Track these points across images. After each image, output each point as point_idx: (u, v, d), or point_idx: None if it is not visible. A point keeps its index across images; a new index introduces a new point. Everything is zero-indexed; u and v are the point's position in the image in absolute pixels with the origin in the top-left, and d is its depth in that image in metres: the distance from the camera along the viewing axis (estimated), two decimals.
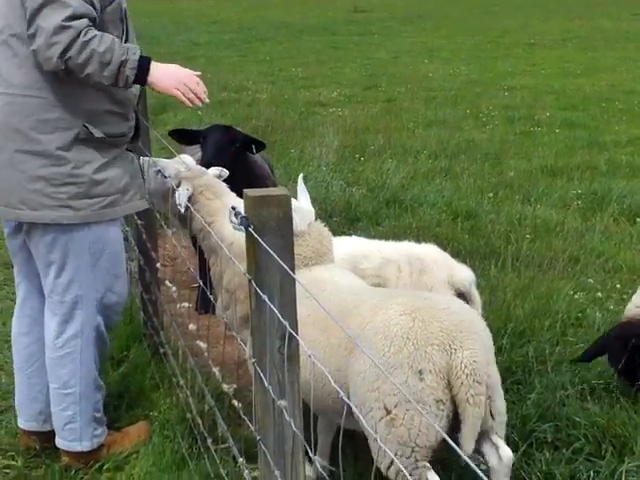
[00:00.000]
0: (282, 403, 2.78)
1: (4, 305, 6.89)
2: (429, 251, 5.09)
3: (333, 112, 15.83)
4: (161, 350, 5.38)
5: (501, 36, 31.12)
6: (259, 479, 2.94)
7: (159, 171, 4.98)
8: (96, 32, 4.07)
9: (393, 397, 3.61)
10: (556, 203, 9.41)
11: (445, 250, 5.22)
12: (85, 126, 4.29)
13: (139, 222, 5.69)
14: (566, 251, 7.69)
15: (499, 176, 10.75)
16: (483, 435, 3.74)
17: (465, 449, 3.56)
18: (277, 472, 2.79)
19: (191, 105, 4.37)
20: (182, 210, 4.80)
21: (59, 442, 4.77)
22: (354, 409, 3.66)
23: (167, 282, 5.01)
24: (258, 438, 2.90)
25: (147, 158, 5.08)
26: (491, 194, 9.74)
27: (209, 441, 3.91)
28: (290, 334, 2.75)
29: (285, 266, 2.72)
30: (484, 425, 3.69)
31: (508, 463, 3.80)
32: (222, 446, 3.90)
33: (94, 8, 4.14)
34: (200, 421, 4.22)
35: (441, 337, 3.64)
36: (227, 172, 5.28)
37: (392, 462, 3.63)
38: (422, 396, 3.59)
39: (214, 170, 5.22)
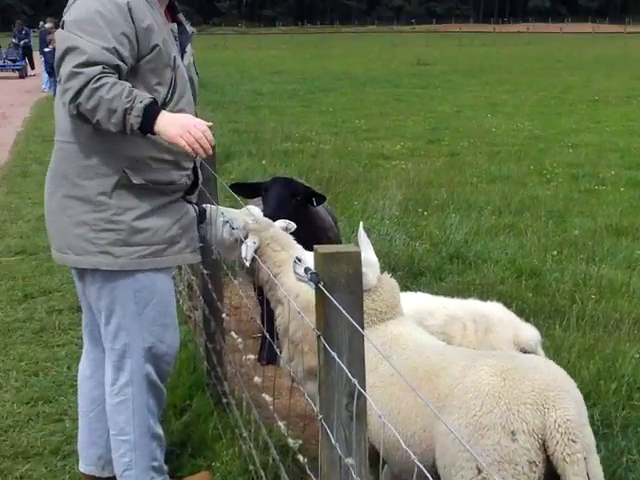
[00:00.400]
0: (349, 461, 2.78)
1: (69, 349, 6.99)
2: (494, 309, 5.07)
3: (396, 165, 15.86)
4: (224, 400, 5.41)
5: (565, 92, 31.04)
6: None
7: (227, 222, 5.02)
8: (109, 80, 4.06)
9: (486, 457, 3.58)
10: (621, 263, 9.31)
11: (509, 308, 5.20)
12: (125, 172, 4.30)
13: (205, 271, 5.74)
14: (632, 313, 7.59)
15: (563, 234, 10.67)
16: None
17: None
18: None
19: (195, 155, 4.29)
20: (247, 264, 4.85)
21: None
22: (440, 470, 3.70)
23: (232, 333, 5.06)
24: None
25: (215, 207, 5.12)
26: (555, 252, 9.66)
27: None
28: (359, 392, 2.76)
29: (354, 323, 2.74)
30: None
31: None
32: None
33: (120, 56, 4.14)
34: (263, 474, 4.22)
35: (533, 396, 3.62)
36: (294, 225, 5.31)
37: None
38: (515, 457, 3.55)
39: (281, 222, 5.26)
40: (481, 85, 34.24)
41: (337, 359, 2.76)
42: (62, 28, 4.25)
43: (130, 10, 4.20)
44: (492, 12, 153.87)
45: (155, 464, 4.70)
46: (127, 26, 4.18)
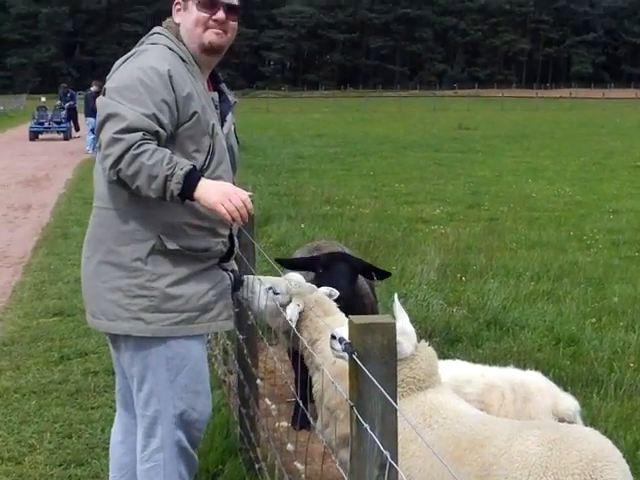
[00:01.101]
0: None
1: (103, 412, 6.99)
2: (533, 378, 5.02)
3: (435, 230, 15.85)
4: (257, 466, 5.37)
5: (606, 158, 30.95)
6: None
7: (270, 288, 5.02)
8: (150, 146, 4.08)
9: None
10: None
11: (547, 376, 5.14)
12: (160, 238, 4.30)
13: (240, 336, 5.74)
14: None
15: (602, 301, 10.57)
16: None
17: None
18: None
19: (233, 223, 4.26)
20: (294, 324, 4.83)
21: None
22: None
23: (267, 400, 5.05)
24: None
25: (253, 276, 5.13)
26: (594, 319, 9.57)
27: None
28: (390, 464, 2.73)
29: (387, 395, 2.72)
30: None
31: None
32: None
33: (160, 123, 4.16)
34: None
35: (581, 467, 3.60)
36: (337, 292, 5.29)
37: None
38: None
39: (324, 289, 5.25)
40: (522, 150, 34.25)
41: (369, 431, 2.74)
42: (104, 95, 4.29)
43: (171, 78, 4.24)
44: (535, 77, 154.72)
45: None
46: (167, 93, 4.22)
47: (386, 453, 2.71)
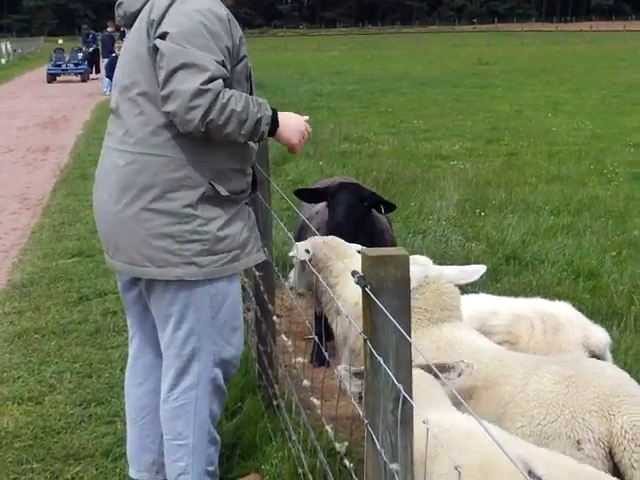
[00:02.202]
0: (394, 467, 2.74)
1: (123, 351, 6.96)
2: (562, 309, 4.96)
3: (454, 165, 15.75)
4: (275, 403, 5.38)
5: (627, 91, 30.59)
6: None
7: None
8: (231, 91, 4.14)
9: None
10: None
11: None
12: (211, 184, 4.32)
13: (257, 274, 5.73)
14: None
15: (623, 235, 10.48)
16: None
17: None
18: None
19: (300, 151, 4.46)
20: (300, 258, 4.86)
21: None
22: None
23: (283, 336, 5.04)
24: None
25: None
26: (614, 253, 9.51)
27: None
28: (404, 397, 2.71)
29: (401, 328, 2.69)
30: None
31: None
32: None
33: (226, 69, 4.19)
34: (311, 477, 4.19)
35: (598, 403, 3.57)
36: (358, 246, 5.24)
37: None
38: None
39: (355, 246, 5.18)
40: (542, 84, 33.91)
41: (383, 364, 2.72)
42: (162, 39, 4.18)
43: (229, 22, 4.26)
44: (554, 11, 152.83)
45: (211, 469, 4.68)
46: (228, 39, 4.24)
47: (399, 386, 2.69)
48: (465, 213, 11.69)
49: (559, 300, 5.38)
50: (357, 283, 2.83)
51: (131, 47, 4.44)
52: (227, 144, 4.30)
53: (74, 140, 21.09)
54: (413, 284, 4.31)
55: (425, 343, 4.27)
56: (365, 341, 2.80)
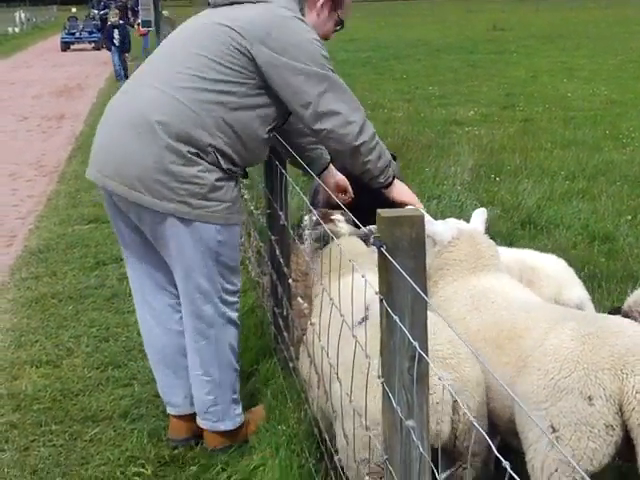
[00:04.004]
0: (410, 424, 2.77)
1: None
2: (547, 263, 5.09)
3: (469, 131, 15.70)
4: (290, 365, 5.41)
5: None
6: None
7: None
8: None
9: (562, 418, 3.58)
10: None
11: (581, 272, 5.11)
12: (217, 157, 4.64)
13: (273, 237, 5.75)
14: None
15: (638, 199, 10.45)
16: None
17: None
18: None
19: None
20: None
21: (203, 423, 5.08)
22: (518, 428, 3.69)
23: (299, 298, 5.07)
24: (385, 458, 2.89)
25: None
26: (630, 217, 9.48)
27: (336, 458, 3.90)
28: (420, 355, 2.73)
29: (416, 287, 2.71)
30: None
31: None
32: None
33: None
34: (327, 437, 4.22)
35: (612, 362, 3.59)
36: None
37: (550, 478, 3.61)
38: (591, 420, 3.54)
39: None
40: (558, 50, 33.64)
41: (399, 323, 2.73)
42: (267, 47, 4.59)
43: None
44: None
45: (235, 396, 5.09)
46: None
47: (415, 344, 2.71)
48: (480, 178, 11.66)
49: (573, 264, 5.40)
50: (373, 244, 2.85)
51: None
52: (255, 140, 4.72)
53: (89, 108, 21.12)
54: (447, 237, 4.57)
55: (461, 293, 4.42)
56: (381, 301, 2.81)
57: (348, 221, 5.03)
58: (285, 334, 5.64)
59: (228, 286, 4.87)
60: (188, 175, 4.55)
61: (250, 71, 4.60)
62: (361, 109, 4.76)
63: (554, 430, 3.59)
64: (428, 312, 2.91)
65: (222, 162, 4.63)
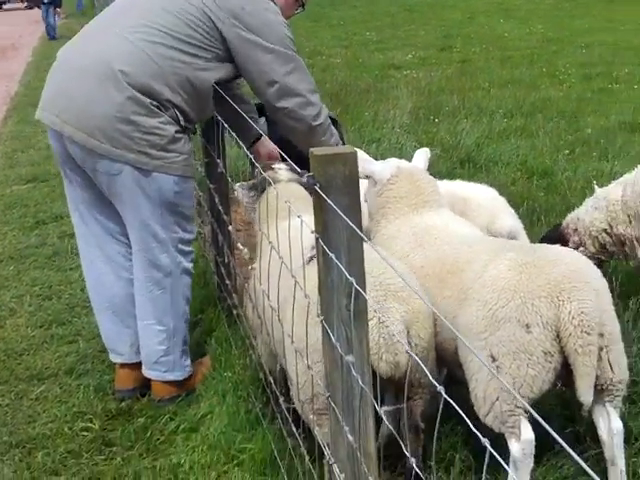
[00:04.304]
0: (349, 359, 2.77)
1: (82, 272, 6.92)
2: (478, 194, 5.16)
3: (407, 74, 15.70)
4: (234, 312, 5.40)
5: None
6: (329, 435, 2.95)
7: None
8: None
9: (501, 347, 3.63)
10: (635, 159, 9.15)
11: (519, 208, 5.15)
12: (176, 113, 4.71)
13: (211, 186, 5.72)
14: None
15: (576, 134, 10.54)
16: (600, 398, 3.74)
17: (583, 400, 3.57)
18: (346, 428, 2.79)
19: None
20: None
21: (151, 374, 5.08)
22: (461, 359, 3.74)
23: (239, 245, 5.05)
24: (327, 394, 2.90)
25: None
26: (567, 151, 9.56)
27: (281, 400, 3.91)
28: (357, 291, 2.73)
29: (352, 224, 2.70)
30: (603, 378, 3.68)
31: (618, 437, 3.78)
32: (294, 405, 3.90)
33: None
34: (272, 380, 4.23)
35: (548, 289, 3.63)
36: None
37: (492, 407, 3.67)
38: (529, 348, 3.60)
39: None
40: None
41: (335, 260, 2.72)
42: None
43: None
44: None
45: (185, 347, 5.12)
46: None
47: (352, 280, 2.70)
48: (419, 120, 11.67)
49: (513, 199, 5.43)
50: (307, 183, 2.83)
51: None
52: (209, 101, 4.86)
53: (23, 67, 20.82)
54: (387, 175, 4.58)
55: (404, 230, 4.43)
56: (317, 239, 2.80)
57: (289, 170, 5.00)
58: (228, 282, 5.63)
59: (184, 235, 4.93)
60: (149, 126, 4.58)
61: (216, 39, 4.72)
62: (318, 92, 4.98)
63: (494, 359, 3.64)
64: (377, 248, 2.92)
65: (180, 118, 4.70)
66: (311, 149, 2.85)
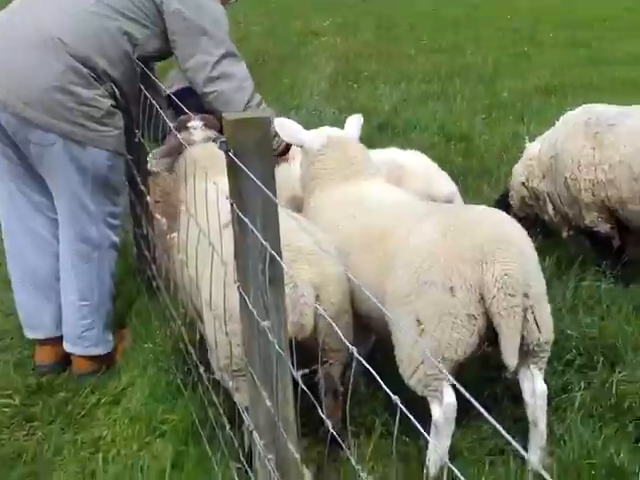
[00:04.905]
0: (265, 324, 2.76)
1: None
2: (412, 160, 5.18)
3: (326, 41, 15.66)
4: (154, 284, 5.35)
5: None
6: (248, 401, 2.94)
7: None
8: None
9: (426, 311, 3.65)
10: (550, 121, 9.25)
11: None
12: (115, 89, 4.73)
13: (129, 157, 5.64)
14: None
15: (493, 97, 10.64)
16: (525, 360, 3.77)
17: (507, 363, 3.60)
18: (264, 394, 2.78)
19: None
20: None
21: (73, 348, 5.03)
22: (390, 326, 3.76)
23: (157, 215, 5.01)
24: (245, 360, 2.89)
25: None
26: (484, 115, 9.64)
27: (202, 369, 3.89)
28: (272, 256, 2.71)
29: (266, 189, 2.68)
30: (529, 339, 3.71)
31: (541, 399, 3.83)
32: (214, 375, 3.89)
33: None
34: (193, 350, 4.20)
35: (472, 252, 3.64)
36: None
37: (415, 371, 3.71)
38: (454, 311, 3.62)
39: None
40: None
41: (250, 225, 2.71)
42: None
43: None
44: None
45: (109, 322, 5.10)
46: None
47: (266, 244, 2.69)
48: (338, 86, 11.68)
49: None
50: (220, 148, 2.80)
51: None
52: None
53: None
54: (316, 145, 4.58)
55: (336, 199, 4.44)
56: (232, 205, 2.78)
57: (205, 128, 4.91)
58: (147, 253, 5.57)
59: (114, 209, 4.92)
60: (87, 97, 4.57)
61: (154, 16, 4.75)
62: (251, 78, 4.95)
63: (419, 323, 3.66)
64: (294, 215, 2.89)
65: (116, 91, 4.73)
66: (224, 114, 2.83)
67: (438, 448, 3.70)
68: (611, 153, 5.48)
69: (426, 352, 3.57)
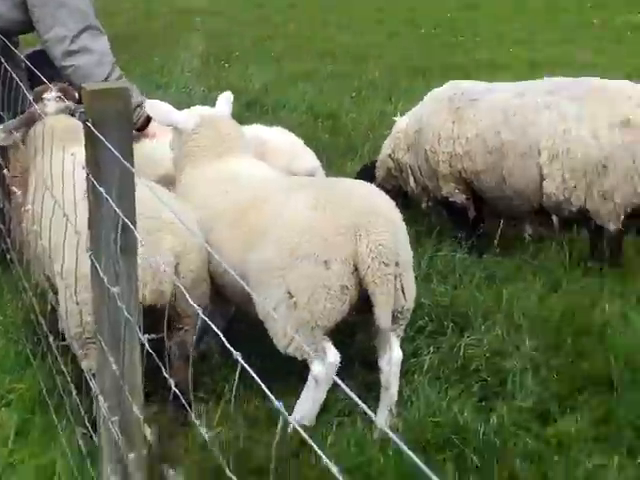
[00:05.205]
0: (115, 290, 2.75)
1: None
2: (276, 137, 5.24)
3: (200, 20, 15.55)
4: (8, 257, 5.26)
5: None
6: (96, 367, 2.95)
7: None
8: None
9: (299, 283, 3.70)
10: (418, 100, 9.41)
11: None
12: None
13: None
14: None
15: (363, 76, 10.73)
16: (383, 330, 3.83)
17: (382, 326, 3.70)
18: (111, 359, 2.77)
19: None
20: None
21: None
22: (253, 299, 3.77)
23: (13, 188, 4.91)
24: (95, 327, 2.89)
25: None
26: (353, 94, 9.73)
27: (51, 339, 3.86)
28: (125, 225, 2.72)
29: (123, 159, 2.68)
30: (396, 305, 3.81)
31: (396, 366, 3.92)
32: (63, 342, 3.87)
33: None
34: (43, 321, 4.16)
35: (346, 225, 3.70)
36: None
37: (291, 342, 3.79)
38: (328, 283, 3.69)
39: None
40: None
41: (105, 195, 2.70)
42: None
43: None
44: None
45: None
46: None
47: (120, 213, 2.68)
48: (209, 65, 11.63)
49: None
50: (78, 118, 2.80)
51: None
52: None
53: None
54: (190, 125, 4.57)
55: (208, 176, 4.45)
56: (88, 175, 2.77)
57: (61, 98, 4.85)
58: (1, 226, 5.48)
59: None
60: None
61: None
62: (112, 55, 4.90)
63: (291, 296, 3.72)
64: (154, 185, 2.88)
65: None
66: (83, 84, 2.81)
67: (316, 402, 3.83)
68: (469, 127, 5.72)
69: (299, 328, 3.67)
